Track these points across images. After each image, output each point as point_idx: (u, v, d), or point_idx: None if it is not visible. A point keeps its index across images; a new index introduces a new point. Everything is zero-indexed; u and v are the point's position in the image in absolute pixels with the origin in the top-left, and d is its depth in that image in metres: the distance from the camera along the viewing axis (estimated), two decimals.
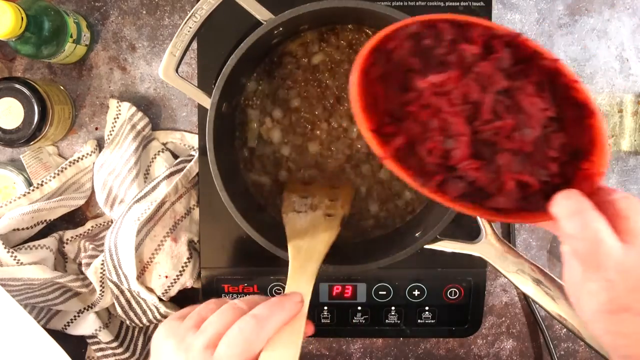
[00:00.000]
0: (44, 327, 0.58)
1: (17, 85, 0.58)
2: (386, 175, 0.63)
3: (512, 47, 0.41)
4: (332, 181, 0.62)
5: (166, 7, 0.66)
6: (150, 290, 0.63)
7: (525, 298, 0.70)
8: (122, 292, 0.64)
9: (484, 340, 0.71)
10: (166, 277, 0.63)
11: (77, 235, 0.66)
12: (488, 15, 0.63)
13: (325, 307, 0.66)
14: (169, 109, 0.68)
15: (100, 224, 0.68)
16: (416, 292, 0.66)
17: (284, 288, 0.50)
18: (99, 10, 0.66)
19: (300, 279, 0.47)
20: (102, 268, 0.62)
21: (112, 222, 0.66)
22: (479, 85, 0.39)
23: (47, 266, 0.62)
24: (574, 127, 0.40)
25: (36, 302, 0.62)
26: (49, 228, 0.65)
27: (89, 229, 0.67)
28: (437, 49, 0.41)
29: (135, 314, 0.65)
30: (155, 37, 0.67)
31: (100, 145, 0.67)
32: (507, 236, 0.69)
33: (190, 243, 0.65)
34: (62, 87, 0.66)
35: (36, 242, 0.63)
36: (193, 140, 0.67)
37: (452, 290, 0.66)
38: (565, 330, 0.70)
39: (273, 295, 0.66)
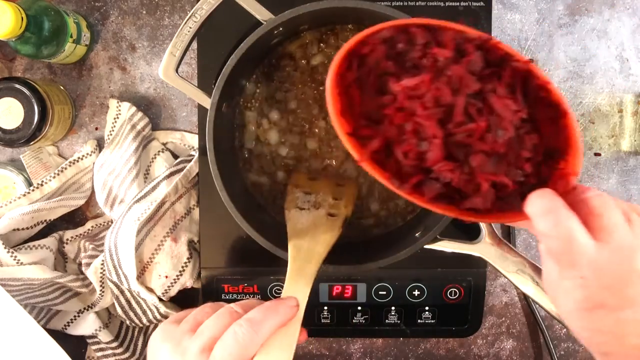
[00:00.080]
0: (44, 327, 0.58)
1: (17, 85, 0.58)
2: None
3: (484, 50, 0.41)
4: (336, 178, 0.62)
5: (166, 7, 0.66)
6: (150, 290, 0.63)
7: (525, 298, 0.70)
8: (122, 292, 0.64)
9: (484, 340, 0.71)
10: (166, 277, 0.63)
11: (77, 235, 0.66)
12: (488, 15, 0.63)
13: (325, 307, 0.66)
14: (169, 109, 0.68)
15: (100, 224, 0.68)
16: (416, 292, 0.66)
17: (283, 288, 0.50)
18: (99, 10, 0.66)
19: (299, 281, 0.47)
20: (102, 268, 0.62)
21: (112, 222, 0.66)
22: (451, 88, 0.40)
23: (47, 266, 0.62)
24: (549, 128, 0.41)
25: (36, 302, 0.62)
26: (49, 228, 0.65)
27: (89, 229, 0.67)
28: (411, 53, 0.42)
29: (135, 314, 0.65)
30: (155, 37, 0.67)
31: (100, 145, 0.67)
32: (507, 236, 0.69)
33: (190, 243, 0.65)
34: (62, 87, 0.66)
35: (36, 242, 0.63)
36: (193, 140, 0.67)
37: (452, 290, 0.66)
38: (565, 330, 0.70)
39: (273, 296, 0.66)
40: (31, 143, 0.60)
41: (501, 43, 0.41)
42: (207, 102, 0.55)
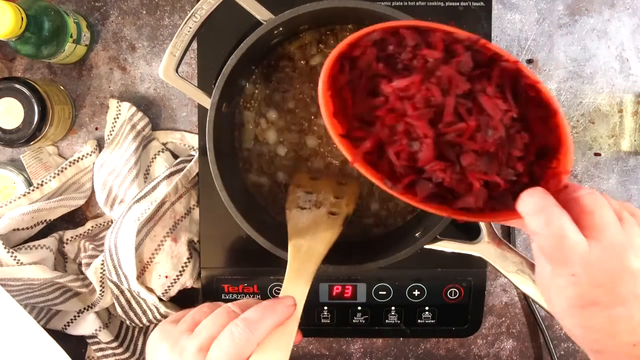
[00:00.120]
0: (44, 327, 0.58)
1: (17, 85, 0.58)
2: None
3: (474, 50, 0.42)
4: (339, 176, 0.62)
5: (166, 7, 0.66)
6: (150, 290, 0.63)
7: (525, 298, 0.70)
8: (122, 292, 0.64)
9: (484, 340, 0.71)
10: (166, 277, 0.63)
11: (77, 235, 0.66)
12: (488, 15, 0.63)
13: (325, 307, 0.66)
14: (169, 109, 0.68)
15: (100, 224, 0.68)
16: (416, 292, 0.66)
17: None
18: (99, 10, 0.66)
19: (298, 281, 0.47)
20: (102, 268, 0.62)
21: (112, 222, 0.66)
22: (441, 88, 0.40)
23: (47, 266, 0.62)
24: (540, 127, 0.42)
25: (36, 302, 0.62)
26: (49, 228, 0.65)
27: (89, 229, 0.67)
28: (401, 54, 0.42)
29: (135, 314, 0.65)
30: (155, 37, 0.67)
31: (100, 145, 0.67)
32: (507, 236, 0.69)
33: (190, 243, 0.65)
34: (62, 87, 0.66)
35: (36, 242, 0.63)
36: (193, 140, 0.67)
37: (452, 290, 0.66)
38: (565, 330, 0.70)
39: (273, 296, 0.66)
40: (31, 143, 0.60)
41: (490, 43, 0.42)
42: (207, 102, 0.55)
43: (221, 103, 0.55)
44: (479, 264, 0.65)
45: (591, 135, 0.68)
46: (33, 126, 0.59)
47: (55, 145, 0.68)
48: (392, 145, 0.42)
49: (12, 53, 0.66)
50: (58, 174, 0.63)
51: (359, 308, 0.66)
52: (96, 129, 0.68)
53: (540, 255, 0.40)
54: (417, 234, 0.58)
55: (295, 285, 0.47)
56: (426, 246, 0.57)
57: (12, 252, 0.60)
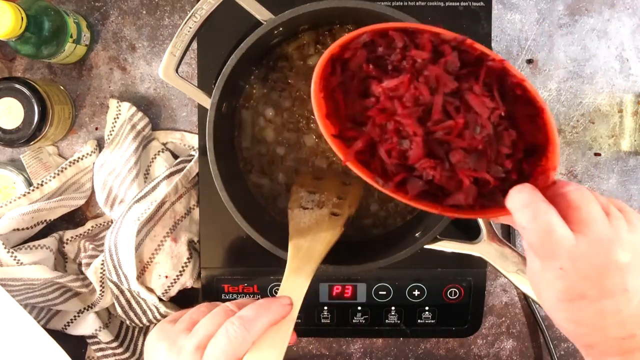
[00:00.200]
0: (44, 327, 0.58)
1: (17, 85, 0.58)
2: None
3: (461, 51, 0.43)
4: (343, 177, 0.62)
5: (166, 7, 0.66)
6: (150, 290, 0.63)
7: (525, 298, 0.70)
8: (122, 292, 0.64)
9: (484, 340, 0.71)
10: (166, 277, 0.63)
11: (77, 235, 0.66)
12: (488, 15, 0.63)
13: (325, 307, 0.66)
14: (169, 109, 0.68)
15: (100, 224, 0.68)
16: (416, 292, 0.66)
17: None
18: (99, 10, 0.66)
19: (296, 281, 0.47)
20: (102, 268, 0.62)
21: (112, 222, 0.66)
22: (429, 87, 0.42)
23: (47, 266, 0.62)
24: (528, 125, 0.43)
25: (36, 302, 0.62)
26: (49, 228, 0.66)
27: (89, 229, 0.67)
28: (391, 56, 0.43)
29: (135, 314, 0.65)
30: (155, 37, 0.67)
31: (100, 145, 0.67)
32: (507, 236, 0.69)
33: (190, 243, 0.65)
34: (62, 87, 0.66)
35: (36, 242, 0.63)
36: (193, 140, 0.67)
37: (452, 290, 0.66)
38: None
39: (273, 296, 0.66)
40: (31, 143, 0.60)
41: (476, 43, 0.43)
42: (207, 102, 0.55)
43: (221, 103, 0.55)
44: (479, 264, 0.65)
45: (591, 135, 0.68)
46: (33, 126, 0.59)
47: (55, 145, 0.68)
48: (383, 143, 0.43)
49: (12, 53, 0.66)
50: (58, 174, 0.63)
51: (359, 308, 0.66)
52: (96, 129, 0.68)
53: (529, 251, 0.41)
54: (417, 234, 0.58)
55: (293, 285, 0.47)
56: (426, 246, 0.57)
57: (12, 252, 0.60)
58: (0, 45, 0.66)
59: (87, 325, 0.65)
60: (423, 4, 0.63)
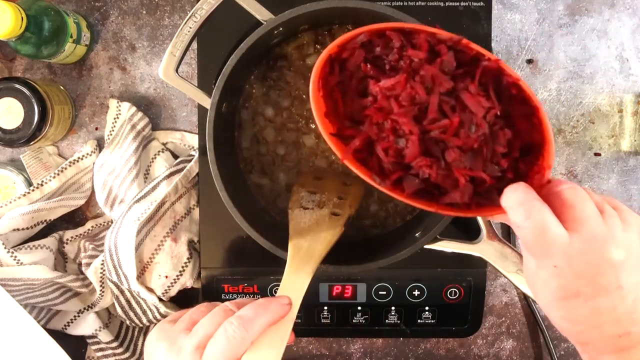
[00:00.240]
0: (44, 327, 0.58)
1: (17, 85, 0.58)
2: None
3: (457, 51, 0.43)
4: (343, 177, 0.62)
5: (166, 7, 0.66)
6: (150, 290, 0.63)
7: (525, 298, 0.70)
8: (122, 292, 0.64)
9: (484, 340, 0.71)
10: (166, 277, 0.63)
11: (77, 235, 0.66)
12: (488, 15, 0.63)
13: (325, 307, 0.66)
14: (169, 109, 0.68)
15: (100, 224, 0.68)
16: (416, 292, 0.66)
17: None
18: (99, 10, 0.66)
19: (295, 281, 0.47)
20: (102, 268, 0.62)
21: (112, 222, 0.66)
22: (425, 87, 0.42)
23: (47, 266, 0.62)
24: (524, 125, 0.43)
25: (36, 302, 0.62)
26: (49, 228, 0.65)
27: (89, 229, 0.67)
28: (388, 55, 0.44)
29: (135, 314, 0.65)
30: (155, 37, 0.67)
31: (100, 145, 0.67)
32: (507, 236, 0.69)
33: (190, 243, 0.65)
34: (62, 87, 0.66)
35: (36, 242, 0.63)
36: (193, 140, 0.67)
37: (452, 290, 0.66)
38: None
39: (272, 296, 0.66)
40: (31, 143, 0.60)
41: (472, 43, 0.43)
42: (207, 102, 0.55)
43: (221, 103, 0.55)
44: (479, 264, 0.65)
45: (591, 135, 0.68)
46: (33, 126, 0.59)
47: (55, 145, 0.68)
48: (381, 142, 0.44)
49: (12, 53, 0.66)
50: (58, 174, 0.63)
51: (359, 308, 0.66)
52: (96, 129, 0.68)
53: (525, 249, 0.41)
54: (417, 234, 0.58)
55: (293, 285, 0.47)
56: (426, 246, 0.57)
57: (12, 252, 0.60)
58: (0, 45, 0.66)
59: (87, 325, 0.65)
60: (423, 4, 0.63)
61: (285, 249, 0.51)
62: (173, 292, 0.64)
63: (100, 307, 0.65)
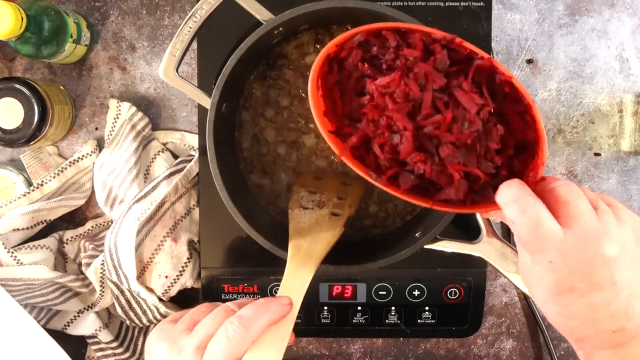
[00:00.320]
0: (44, 327, 0.58)
1: (17, 85, 0.58)
2: None
3: (451, 49, 0.44)
4: (343, 177, 0.62)
5: (166, 7, 0.66)
6: (150, 290, 0.63)
7: (525, 298, 0.70)
8: (122, 292, 0.64)
9: (484, 340, 0.71)
10: (166, 277, 0.63)
11: (77, 235, 0.66)
12: (488, 15, 0.63)
13: (325, 307, 0.66)
14: (169, 109, 0.68)
15: (100, 224, 0.68)
16: (416, 292, 0.66)
17: None
18: (99, 10, 0.66)
19: (295, 281, 0.47)
20: (102, 268, 0.62)
21: (112, 222, 0.66)
22: (419, 84, 0.43)
23: (47, 266, 0.62)
24: (518, 122, 0.44)
25: (36, 302, 0.62)
26: (49, 228, 0.65)
27: (89, 229, 0.67)
28: (385, 55, 0.45)
29: (135, 314, 0.65)
30: (155, 37, 0.67)
31: (100, 145, 0.67)
32: (507, 236, 0.68)
33: (190, 243, 0.65)
34: (62, 87, 0.66)
35: (36, 242, 0.63)
36: (193, 140, 0.67)
37: (452, 290, 0.66)
38: None
39: (272, 296, 0.66)
40: (31, 143, 0.60)
41: (465, 42, 0.44)
42: (207, 102, 0.55)
43: (221, 103, 0.55)
44: (479, 264, 0.65)
45: (591, 135, 0.68)
46: (33, 126, 0.59)
47: (55, 145, 0.68)
48: (377, 139, 0.45)
49: (12, 53, 0.66)
50: (58, 174, 0.63)
51: (359, 308, 0.66)
52: (96, 129, 0.68)
53: (520, 245, 0.42)
54: (417, 234, 0.58)
55: (293, 285, 0.47)
56: (426, 246, 0.57)
57: (12, 252, 0.60)
58: (0, 45, 0.66)
59: (87, 325, 0.65)
60: (423, 4, 0.63)
61: (285, 249, 0.51)
62: (173, 292, 0.64)
63: (100, 307, 0.65)
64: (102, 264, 0.62)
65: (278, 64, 0.62)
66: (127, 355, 0.66)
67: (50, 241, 0.64)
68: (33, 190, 0.62)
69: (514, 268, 0.58)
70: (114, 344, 0.65)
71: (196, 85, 0.57)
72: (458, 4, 0.63)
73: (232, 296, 0.66)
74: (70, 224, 0.68)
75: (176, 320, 0.46)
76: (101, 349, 0.65)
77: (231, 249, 0.65)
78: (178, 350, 0.42)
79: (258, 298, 0.65)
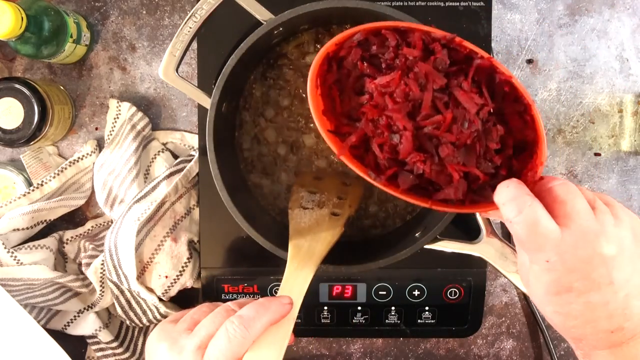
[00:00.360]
0: (44, 327, 0.58)
1: (17, 85, 0.58)
2: None
3: (451, 49, 0.44)
4: (343, 177, 0.62)
5: (166, 7, 0.66)
6: (150, 290, 0.63)
7: (525, 298, 0.70)
8: (122, 292, 0.64)
9: (484, 340, 0.71)
10: (166, 277, 0.63)
11: (77, 235, 0.66)
12: (488, 15, 0.63)
13: (325, 307, 0.66)
14: (169, 109, 0.68)
15: (100, 224, 0.68)
16: (416, 292, 0.66)
17: None
18: (99, 10, 0.66)
19: (295, 281, 0.47)
20: (102, 268, 0.62)
21: (112, 222, 0.66)
22: (419, 84, 0.43)
23: (47, 266, 0.62)
24: (517, 122, 0.44)
25: (36, 302, 0.62)
26: (49, 228, 0.65)
27: (89, 229, 0.67)
28: (385, 54, 0.45)
29: (135, 314, 0.65)
30: (155, 37, 0.67)
31: (100, 145, 0.67)
32: (507, 236, 0.68)
33: (190, 243, 0.65)
34: (62, 87, 0.66)
35: (36, 242, 0.63)
36: (193, 140, 0.67)
37: (452, 290, 0.66)
38: None
39: (273, 296, 0.66)
40: (31, 143, 0.60)
41: (465, 41, 0.44)
42: (207, 102, 0.55)
43: (221, 103, 0.55)
44: (479, 264, 0.65)
45: (591, 135, 0.68)
46: (33, 126, 0.59)
47: (55, 145, 0.68)
48: (376, 138, 0.44)
49: (12, 53, 0.66)
50: (58, 174, 0.63)
51: (359, 308, 0.66)
52: (96, 129, 0.68)
53: (518, 244, 0.42)
54: (417, 234, 0.58)
55: (293, 285, 0.47)
56: (426, 246, 0.57)
57: (12, 252, 0.60)
58: (0, 45, 0.66)
59: (87, 325, 0.65)
60: (423, 4, 0.63)
61: (285, 249, 0.51)
62: (173, 292, 0.64)
63: (100, 307, 0.65)
64: (102, 264, 0.62)
65: (278, 63, 0.62)
66: (127, 355, 0.66)
67: (50, 241, 0.64)
68: (33, 190, 0.62)
69: (514, 268, 0.58)
70: (114, 344, 0.65)
71: (196, 85, 0.57)
72: (458, 4, 0.63)
73: (232, 296, 0.66)
74: (70, 224, 0.68)
75: (177, 320, 0.46)
76: (101, 349, 0.65)
77: (231, 249, 0.65)
78: (179, 350, 0.42)
79: (258, 298, 0.65)
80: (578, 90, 0.68)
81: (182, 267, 0.63)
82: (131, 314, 0.65)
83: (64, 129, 0.65)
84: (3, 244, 0.60)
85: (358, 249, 0.62)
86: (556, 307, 0.40)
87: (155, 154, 0.66)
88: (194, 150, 0.67)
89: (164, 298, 0.64)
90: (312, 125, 0.62)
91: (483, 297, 0.67)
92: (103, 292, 0.64)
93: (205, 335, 0.42)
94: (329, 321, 0.67)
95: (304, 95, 0.62)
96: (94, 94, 0.67)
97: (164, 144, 0.67)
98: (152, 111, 0.68)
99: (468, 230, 0.61)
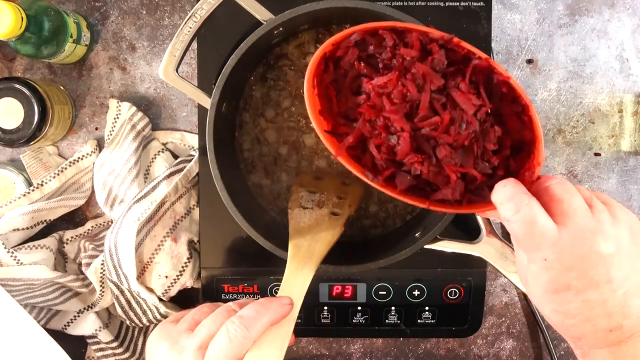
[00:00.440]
0: (44, 327, 0.58)
1: (17, 85, 0.58)
2: None
3: (448, 49, 0.44)
4: (343, 177, 0.62)
5: (166, 7, 0.66)
6: (150, 290, 0.63)
7: (525, 298, 0.70)
8: (122, 292, 0.64)
9: (484, 340, 0.71)
10: (166, 277, 0.63)
11: (77, 235, 0.66)
12: (488, 15, 0.63)
13: (325, 307, 0.66)
14: (169, 109, 0.68)
15: (100, 224, 0.68)
16: (416, 292, 0.66)
17: None
18: (99, 10, 0.66)
19: (295, 281, 0.47)
20: (102, 268, 0.62)
21: (112, 222, 0.66)
22: (416, 84, 0.43)
23: (47, 266, 0.62)
24: (515, 122, 0.44)
25: (36, 302, 0.62)
26: (49, 228, 0.65)
27: (89, 229, 0.67)
28: (382, 54, 0.45)
29: (135, 314, 0.65)
30: (155, 37, 0.67)
31: (100, 145, 0.67)
32: (507, 236, 0.68)
33: (190, 243, 0.65)
34: (62, 87, 0.66)
35: (36, 242, 0.63)
36: (193, 140, 0.67)
37: (452, 290, 0.66)
38: None
39: (273, 296, 0.66)
40: (31, 143, 0.60)
41: (463, 42, 0.44)
42: (207, 102, 0.55)
43: (221, 103, 0.55)
44: (479, 264, 0.65)
45: (591, 135, 0.68)
46: (33, 126, 0.59)
47: (55, 145, 0.68)
48: (373, 139, 0.44)
49: (12, 53, 0.66)
50: (58, 174, 0.63)
51: (359, 308, 0.66)
52: (96, 129, 0.68)
53: (516, 243, 0.42)
54: (417, 234, 0.58)
55: (293, 285, 0.47)
56: (426, 246, 0.57)
57: (12, 252, 0.60)
58: (0, 45, 0.66)
59: (87, 325, 0.65)
60: (423, 4, 0.63)
61: (285, 248, 0.51)
62: (173, 292, 0.64)
63: (100, 307, 0.65)
64: (102, 264, 0.62)
65: (278, 64, 0.62)
66: (127, 355, 0.66)
67: (50, 241, 0.64)
68: (33, 190, 0.62)
69: (514, 268, 0.58)
70: (114, 344, 0.65)
71: (196, 85, 0.57)
72: (458, 4, 0.63)
73: (232, 296, 0.66)
74: (70, 224, 0.68)
75: (177, 321, 0.46)
76: (101, 349, 0.65)
77: (231, 249, 0.65)
78: (179, 350, 0.42)
79: (258, 298, 0.65)
80: (578, 90, 0.68)
81: (182, 267, 0.63)
82: (131, 314, 0.65)
83: (64, 129, 0.65)
84: (3, 244, 0.60)
85: (358, 249, 0.62)
86: (555, 306, 0.40)
87: (155, 154, 0.66)
88: (194, 150, 0.67)
89: (164, 298, 0.64)
90: (311, 125, 0.62)
91: (483, 297, 0.67)
92: (103, 292, 0.64)
93: (206, 336, 0.42)
94: (329, 321, 0.67)
95: (303, 95, 0.62)
96: (94, 94, 0.67)
97: (164, 144, 0.67)
98: (152, 111, 0.68)
99: (468, 230, 0.61)
